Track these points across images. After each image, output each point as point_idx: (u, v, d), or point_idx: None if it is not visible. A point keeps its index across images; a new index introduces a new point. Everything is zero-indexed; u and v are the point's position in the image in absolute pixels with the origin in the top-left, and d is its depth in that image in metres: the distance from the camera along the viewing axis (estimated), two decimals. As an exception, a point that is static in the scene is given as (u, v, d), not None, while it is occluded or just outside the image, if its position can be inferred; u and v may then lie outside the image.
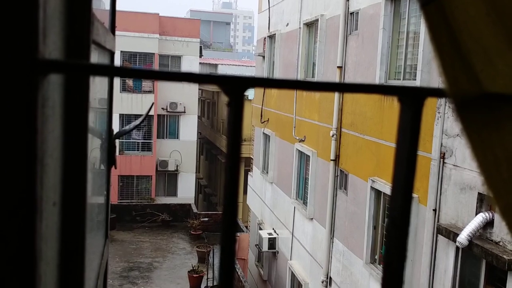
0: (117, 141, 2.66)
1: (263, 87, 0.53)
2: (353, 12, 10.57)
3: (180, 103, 28.16)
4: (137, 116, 25.17)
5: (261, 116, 17.05)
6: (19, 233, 0.60)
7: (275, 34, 15.95)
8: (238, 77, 0.49)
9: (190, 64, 28.39)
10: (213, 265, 17.95)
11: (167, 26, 28.09)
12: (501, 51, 0.47)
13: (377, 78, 9.28)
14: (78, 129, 0.98)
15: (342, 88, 0.60)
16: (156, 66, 27.34)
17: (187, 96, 28.29)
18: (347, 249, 10.60)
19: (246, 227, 21.74)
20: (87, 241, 1.12)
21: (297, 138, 13.56)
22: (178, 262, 20.70)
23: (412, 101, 0.52)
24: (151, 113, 26.91)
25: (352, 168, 10.49)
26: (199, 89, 30.93)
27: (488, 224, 6.36)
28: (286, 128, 14.58)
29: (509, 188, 0.49)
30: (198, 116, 31.00)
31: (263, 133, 17.08)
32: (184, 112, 28.43)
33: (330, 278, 11.43)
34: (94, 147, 1.60)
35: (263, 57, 17.38)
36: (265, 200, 17.02)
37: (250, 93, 19.45)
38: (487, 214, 6.33)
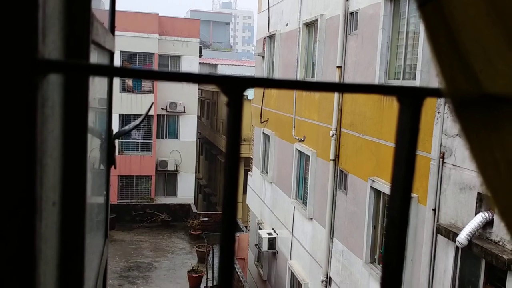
0: (116, 141, 2.66)
1: (263, 87, 0.54)
2: (353, 12, 10.58)
3: (180, 103, 28.16)
4: (136, 116, 25.17)
5: (261, 116, 17.05)
6: (19, 233, 0.60)
7: (274, 34, 15.95)
8: (237, 77, 0.49)
9: (190, 64, 28.38)
10: (212, 265, 17.95)
11: (167, 26, 28.08)
12: (501, 51, 0.47)
13: (377, 78, 9.28)
14: (77, 129, 0.98)
15: (342, 88, 0.60)
16: (155, 66, 27.34)
17: (186, 96, 28.29)
18: (346, 249, 10.61)
19: (246, 227, 21.74)
20: (87, 241, 1.12)
21: (297, 138, 13.56)
22: (177, 262, 20.69)
23: (411, 101, 0.53)
24: (151, 113, 26.91)
25: (351, 168, 10.49)
26: (198, 89, 30.93)
27: (488, 224, 6.37)
28: (286, 128, 14.58)
29: (508, 188, 0.49)
30: (198, 116, 31.00)
31: (263, 133, 17.09)
32: (184, 112, 28.43)
33: (330, 278, 11.43)
34: (94, 147, 1.60)
35: (263, 57, 17.37)
36: (265, 200, 17.02)
37: (250, 93, 19.45)
38: (486, 214, 6.34)
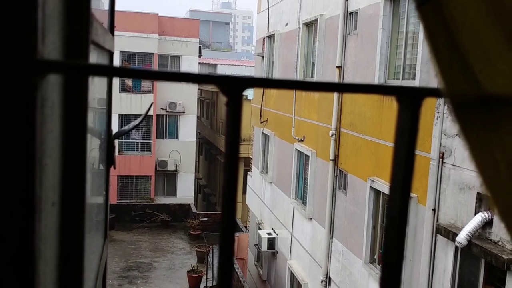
0: (116, 141, 2.66)
1: (262, 87, 0.54)
2: (352, 12, 10.58)
3: (179, 103, 28.16)
4: (136, 116, 25.16)
5: (260, 116, 17.05)
6: (18, 233, 0.60)
7: (274, 34, 15.95)
8: (236, 77, 0.49)
9: (189, 64, 28.38)
10: (212, 265, 17.95)
11: (166, 26, 28.08)
12: (501, 52, 0.47)
13: (376, 78, 9.28)
14: (77, 129, 0.98)
15: (341, 88, 0.60)
16: (155, 66, 27.34)
17: (186, 96, 28.29)
18: (346, 249, 10.61)
19: (246, 227, 21.74)
20: (86, 241, 1.12)
21: (297, 138, 13.56)
22: (177, 262, 20.69)
23: (410, 101, 0.53)
24: (150, 113, 26.90)
25: (351, 168, 10.49)
26: (198, 89, 30.93)
27: (487, 223, 6.37)
28: (286, 128, 14.58)
29: (507, 189, 0.49)
30: (197, 116, 31.00)
31: (262, 133, 17.09)
32: (183, 112, 28.43)
33: (329, 278, 11.43)
34: (93, 147, 1.60)
35: (262, 57, 17.38)
36: (264, 200, 17.02)
37: (249, 93, 19.45)
38: (486, 214, 6.34)
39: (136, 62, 27.47)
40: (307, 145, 12.95)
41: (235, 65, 38.25)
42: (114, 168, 2.38)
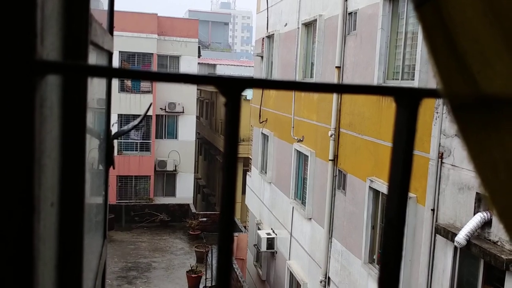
0: (115, 141, 2.66)
1: (260, 88, 0.54)
2: (352, 12, 10.58)
3: (179, 104, 28.16)
4: (135, 116, 25.15)
5: (260, 116, 17.05)
6: (18, 233, 0.60)
7: (273, 34, 15.95)
8: (235, 78, 0.49)
9: (189, 64, 28.38)
10: (211, 265, 17.94)
11: (166, 26, 28.08)
12: (499, 52, 0.47)
13: (376, 78, 9.28)
14: (76, 130, 0.98)
15: (339, 89, 0.60)
16: (154, 66, 27.34)
17: (185, 96, 28.29)
18: (345, 249, 10.61)
19: (245, 227, 21.73)
20: (85, 241, 1.12)
21: (296, 138, 13.56)
22: (176, 262, 20.69)
23: (408, 102, 0.53)
24: (150, 113, 26.90)
25: (350, 168, 10.49)
26: (197, 89, 30.92)
27: (486, 224, 6.37)
28: (285, 128, 14.58)
29: (506, 189, 0.49)
30: (197, 116, 31.00)
31: (262, 133, 17.08)
32: (183, 112, 28.43)
33: (329, 278, 11.43)
34: (92, 147, 1.60)
35: (262, 57, 17.38)
36: (264, 200, 17.02)
37: (249, 93, 19.45)
38: (485, 214, 6.34)
39: (136, 62, 27.46)
40: (306, 145, 12.95)
41: (234, 65, 38.24)
42: (113, 168, 2.38)
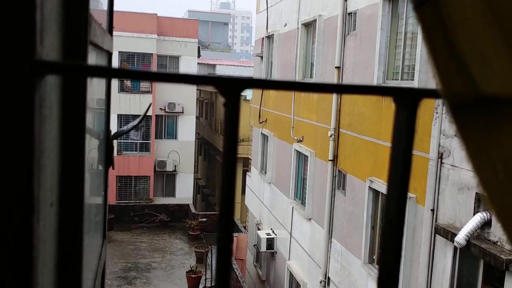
0: (115, 141, 2.66)
1: (260, 88, 0.54)
2: (351, 13, 10.58)
3: (178, 104, 28.15)
4: (135, 117, 25.15)
5: (259, 116, 17.05)
6: (17, 234, 0.60)
7: (273, 34, 15.96)
8: (234, 78, 0.49)
9: (188, 65, 28.38)
10: (211, 265, 17.94)
11: (165, 27, 28.08)
12: (498, 53, 0.47)
13: (375, 78, 9.28)
14: (75, 130, 0.98)
15: (339, 89, 0.60)
16: (154, 67, 27.34)
17: (185, 96, 28.29)
18: (345, 249, 10.61)
19: (245, 227, 21.72)
20: (85, 241, 1.12)
21: (295, 138, 13.56)
22: (176, 263, 20.69)
23: (407, 102, 0.53)
24: (149, 113, 26.89)
25: (350, 168, 10.49)
26: (197, 89, 30.92)
27: (486, 224, 6.37)
28: (284, 128, 14.58)
29: (504, 189, 0.49)
30: (196, 117, 30.99)
31: (261, 133, 17.08)
32: (182, 112, 28.42)
33: (328, 278, 11.43)
34: (92, 147, 1.60)
35: (261, 57, 17.38)
36: (263, 201, 17.02)
37: (248, 93, 19.46)
38: (485, 214, 6.34)
39: (135, 63, 27.46)
40: (306, 146, 12.95)
41: (234, 65, 38.25)
42: (113, 168, 2.38)
